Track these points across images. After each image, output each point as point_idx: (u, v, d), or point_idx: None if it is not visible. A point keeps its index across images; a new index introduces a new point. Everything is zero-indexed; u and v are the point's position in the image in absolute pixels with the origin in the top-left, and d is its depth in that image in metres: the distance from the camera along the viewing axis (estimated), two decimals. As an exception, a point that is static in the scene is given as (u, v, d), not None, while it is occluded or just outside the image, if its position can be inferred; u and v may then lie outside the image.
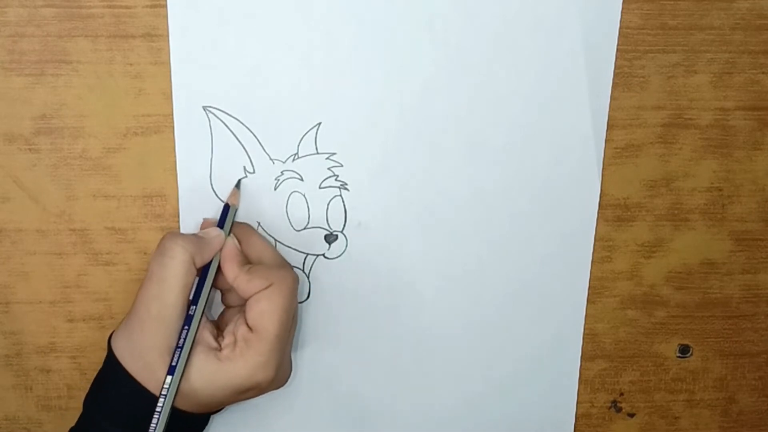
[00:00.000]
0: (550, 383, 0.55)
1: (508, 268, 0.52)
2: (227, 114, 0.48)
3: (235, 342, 0.45)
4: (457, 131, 0.49)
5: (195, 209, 0.49)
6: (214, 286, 0.47)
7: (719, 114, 0.51)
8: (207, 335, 0.45)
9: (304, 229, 0.50)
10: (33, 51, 0.46)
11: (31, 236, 0.49)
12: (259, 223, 0.50)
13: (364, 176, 0.49)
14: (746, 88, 0.50)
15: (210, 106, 0.47)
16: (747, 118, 0.51)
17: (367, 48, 0.47)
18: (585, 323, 0.54)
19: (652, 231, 0.53)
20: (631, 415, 0.57)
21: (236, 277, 0.45)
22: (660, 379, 0.56)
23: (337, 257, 0.51)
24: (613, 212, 0.52)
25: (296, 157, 0.49)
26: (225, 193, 0.49)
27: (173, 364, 0.43)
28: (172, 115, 0.47)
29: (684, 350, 0.56)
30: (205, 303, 0.45)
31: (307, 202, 0.49)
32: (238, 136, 0.48)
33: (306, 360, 0.53)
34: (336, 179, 0.49)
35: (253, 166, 0.48)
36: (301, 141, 0.48)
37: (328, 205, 0.50)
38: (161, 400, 0.43)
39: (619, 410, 0.57)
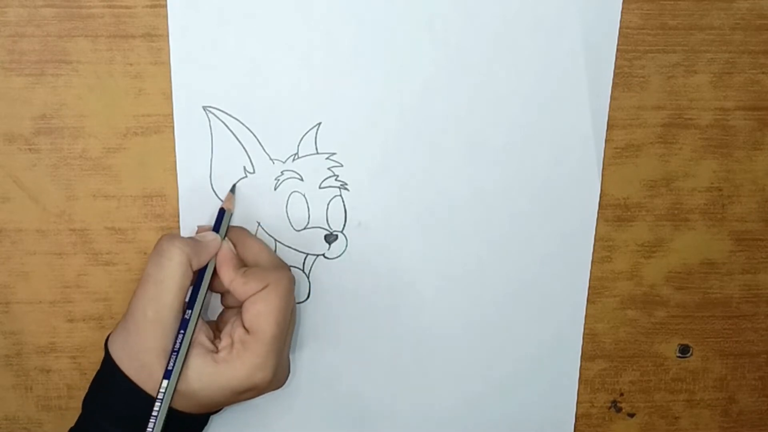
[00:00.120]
0: (550, 383, 0.55)
1: (508, 268, 0.52)
2: (227, 114, 0.48)
3: (232, 344, 0.45)
4: (457, 131, 0.49)
5: (195, 209, 0.49)
6: (210, 289, 0.47)
7: (719, 114, 0.51)
8: (203, 338, 0.45)
9: (304, 229, 0.50)
10: (33, 51, 0.46)
11: (31, 236, 0.49)
12: (259, 223, 0.50)
13: (364, 176, 0.49)
14: (746, 88, 0.50)
15: (210, 106, 0.47)
16: (747, 118, 0.51)
17: (367, 48, 0.47)
18: (585, 323, 0.54)
19: (652, 231, 0.53)
20: (631, 415, 0.57)
21: (232, 280, 0.45)
22: (660, 379, 0.56)
23: (337, 257, 0.51)
24: (613, 212, 0.52)
25: (296, 157, 0.49)
26: (225, 193, 0.49)
27: (169, 368, 0.43)
28: (172, 115, 0.47)
29: (684, 350, 0.56)
30: (201, 307, 0.45)
31: (307, 202, 0.49)
32: (238, 136, 0.48)
33: (306, 360, 0.53)
34: (336, 179, 0.49)
35: (253, 166, 0.48)
36: (301, 141, 0.48)
37: (328, 205, 0.50)
38: (157, 403, 0.43)
39: (619, 410, 0.57)
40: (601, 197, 0.51)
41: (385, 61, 0.47)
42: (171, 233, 0.48)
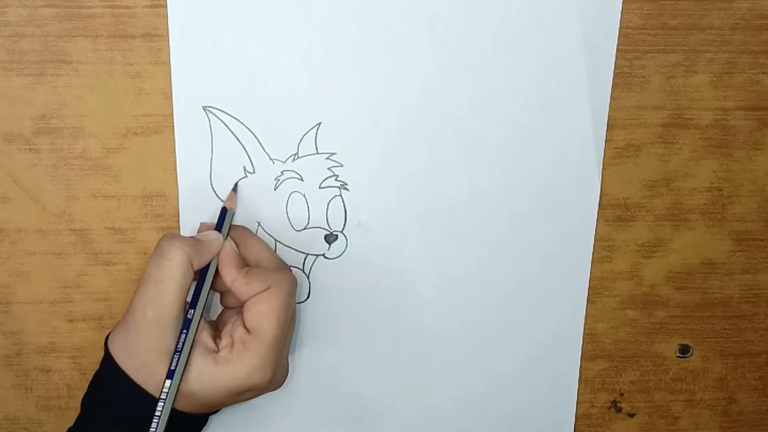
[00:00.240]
0: (550, 383, 0.55)
1: (508, 268, 0.52)
2: (227, 114, 0.48)
3: (232, 344, 0.45)
4: (457, 131, 0.49)
5: (195, 209, 0.49)
6: (212, 288, 0.47)
7: (719, 114, 0.51)
8: (205, 337, 0.45)
9: (304, 229, 0.50)
10: (33, 51, 0.46)
11: (31, 236, 0.49)
12: (259, 223, 0.50)
13: (364, 176, 0.49)
14: (746, 88, 0.50)
15: (210, 106, 0.47)
16: (747, 118, 0.51)
17: (367, 48, 0.47)
18: (585, 323, 0.54)
19: (652, 231, 0.53)
20: (631, 415, 0.57)
21: (234, 280, 0.45)
22: (660, 379, 0.56)
23: (337, 257, 0.51)
24: (613, 212, 0.52)
25: (296, 157, 0.49)
26: (225, 193, 0.49)
27: (172, 368, 0.43)
28: (172, 115, 0.47)
29: (684, 350, 0.56)
30: (204, 306, 0.45)
31: (307, 202, 0.49)
32: (238, 136, 0.48)
33: (306, 360, 0.53)
34: (336, 179, 0.49)
35: (253, 166, 0.48)
36: (301, 141, 0.48)
37: (328, 205, 0.50)
38: (160, 403, 0.43)
39: (619, 410, 0.57)
40: (601, 197, 0.51)
41: (385, 61, 0.47)
42: (172, 233, 0.48)
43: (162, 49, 0.46)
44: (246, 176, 0.49)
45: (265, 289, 0.45)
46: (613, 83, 0.49)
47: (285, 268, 0.49)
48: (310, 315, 0.52)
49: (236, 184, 0.48)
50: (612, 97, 0.49)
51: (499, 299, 0.53)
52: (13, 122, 0.47)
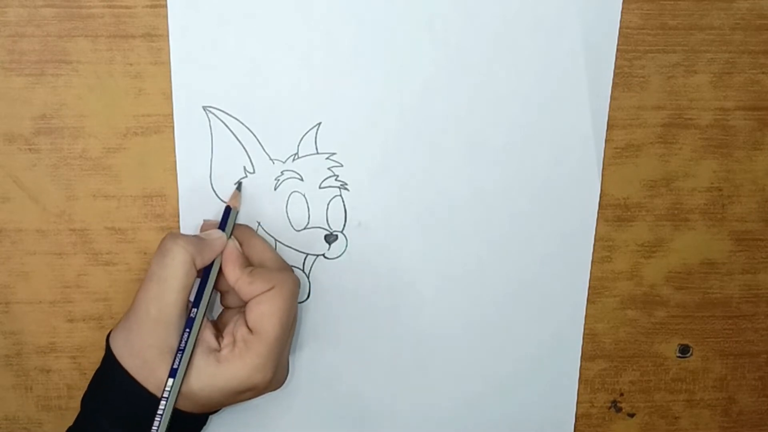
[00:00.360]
0: (550, 383, 0.55)
1: (508, 268, 0.52)
2: (227, 114, 0.48)
3: (234, 342, 0.45)
4: (457, 131, 0.49)
5: (195, 209, 0.49)
6: (214, 287, 0.47)
7: (719, 114, 0.51)
8: (208, 335, 0.45)
9: (304, 229, 0.50)
10: (33, 51, 0.46)
11: (31, 236, 0.49)
12: (259, 223, 0.50)
13: (364, 176, 0.49)
14: (746, 88, 0.50)
15: (210, 106, 0.47)
16: (747, 118, 0.51)
17: (367, 48, 0.47)
18: (585, 323, 0.54)
19: (652, 231, 0.53)
20: (631, 415, 0.57)
21: (238, 279, 0.45)
22: (660, 379, 0.56)
23: (337, 257, 0.51)
24: (613, 212, 0.52)
25: (296, 157, 0.49)
26: (225, 193, 0.49)
27: (175, 366, 0.43)
28: (172, 115, 0.47)
29: (684, 350, 0.56)
30: (207, 305, 0.45)
31: (307, 202, 0.49)
32: (238, 136, 0.48)
33: (306, 360, 0.53)
34: (336, 179, 0.49)
35: (253, 166, 0.48)
36: (301, 141, 0.48)
37: (328, 205, 0.50)
38: (163, 402, 0.43)
39: (619, 410, 0.57)
40: (601, 197, 0.51)
41: (385, 61, 0.47)
42: (175, 232, 0.48)
43: (162, 49, 0.46)
44: (246, 176, 0.49)
45: (269, 289, 0.45)
46: (613, 83, 0.49)
47: (288, 268, 0.49)
48: (310, 315, 0.52)
49: (240, 183, 0.48)
50: (612, 97, 0.49)
51: (499, 299, 0.53)
52: (13, 122, 0.47)
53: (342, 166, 0.49)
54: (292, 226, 0.50)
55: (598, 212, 0.52)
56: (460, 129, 0.49)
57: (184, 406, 0.44)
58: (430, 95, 0.48)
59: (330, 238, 0.50)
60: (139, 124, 0.48)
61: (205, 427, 0.48)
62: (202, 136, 0.48)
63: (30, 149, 0.48)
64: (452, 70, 0.48)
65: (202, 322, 0.45)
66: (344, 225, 0.50)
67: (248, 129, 0.48)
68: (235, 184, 0.49)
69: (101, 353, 0.46)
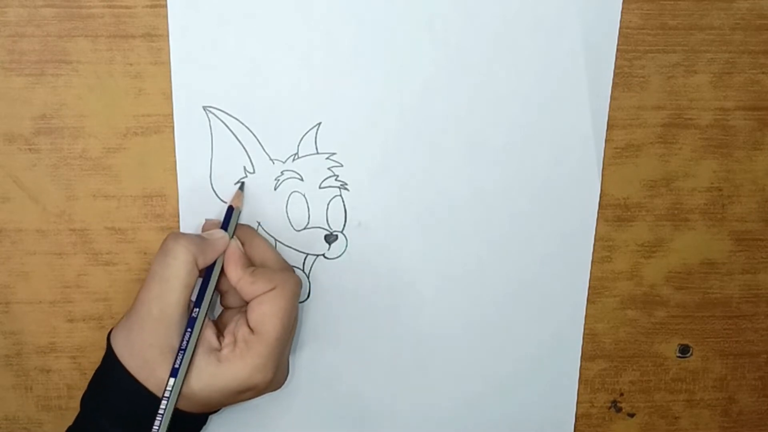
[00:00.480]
0: (550, 383, 0.55)
1: (508, 268, 0.52)
2: (227, 114, 0.48)
3: (235, 342, 0.45)
4: (457, 131, 0.49)
5: (195, 209, 0.49)
6: (215, 287, 0.47)
7: (719, 114, 0.51)
8: (209, 334, 0.45)
9: (304, 229, 0.50)
10: (33, 51, 0.46)
11: (31, 236, 0.49)
12: (259, 223, 0.50)
13: (364, 176, 0.49)
14: (746, 88, 0.50)
15: (210, 106, 0.47)
16: (747, 118, 0.51)
17: (367, 48, 0.47)
18: (585, 323, 0.54)
19: (652, 231, 0.53)
20: (631, 415, 0.57)
21: (240, 279, 0.45)
22: (660, 379, 0.56)
23: (337, 257, 0.51)
24: (613, 212, 0.52)
25: (296, 157, 0.49)
26: (225, 193, 0.49)
27: (176, 366, 0.43)
28: (172, 115, 0.47)
29: (684, 350, 0.56)
30: (209, 305, 0.45)
31: (307, 202, 0.49)
32: (238, 136, 0.48)
33: (306, 360, 0.53)
34: (336, 179, 0.49)
35: (253, 166, 0.48)
36: (301, 141, 0.48)
37: (328, 205, 0.50)
38: (164, 402, 0.43)
39: (619, 410, 0.57)
40: (601, 197, 0.51)
41: (385, 61, 0.47)
42: (177, 231, 0.48)
43: (162, 49, 0.46)
44: (246, 176, 0.49)
45: (271, 290, 0.45)
46: (613, 83, 0.49)
47: (290, 268, 0.49)
48: (310, 315, 0.52)
49: (243, 183, 0.48)
50: (612, 97, 0.49)
51: (499, 299, 0.53)
52: (13, 122, 0.47)
53: (342, 166, 0.49)
54: (292, 226, 0.50)
55: (598, 212, 0.52)
56: (460, 129, 0.49)
57: (184, 405, 0.44)
58: (430, 95, 0.48)
59: (330, 238, 0.50)
60: (139, 124, 0.48)
61: (205, 427, 0.48)
62: (202, 136, 0.48)
63: (30, 149, 0.48)
64: (452, 70, 0.48)
65: (203, 321, 0.45)
66: (344, 225, 0.50)
67: (248, 129, 0.48)
68: (236, 184, 0.49)
69: (101, 353, 0.46)
